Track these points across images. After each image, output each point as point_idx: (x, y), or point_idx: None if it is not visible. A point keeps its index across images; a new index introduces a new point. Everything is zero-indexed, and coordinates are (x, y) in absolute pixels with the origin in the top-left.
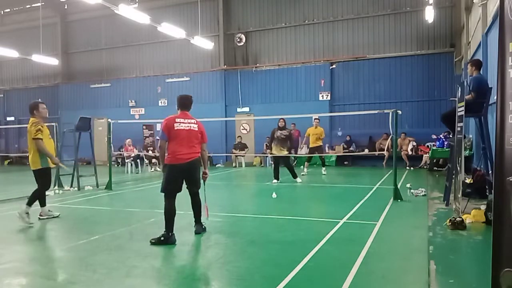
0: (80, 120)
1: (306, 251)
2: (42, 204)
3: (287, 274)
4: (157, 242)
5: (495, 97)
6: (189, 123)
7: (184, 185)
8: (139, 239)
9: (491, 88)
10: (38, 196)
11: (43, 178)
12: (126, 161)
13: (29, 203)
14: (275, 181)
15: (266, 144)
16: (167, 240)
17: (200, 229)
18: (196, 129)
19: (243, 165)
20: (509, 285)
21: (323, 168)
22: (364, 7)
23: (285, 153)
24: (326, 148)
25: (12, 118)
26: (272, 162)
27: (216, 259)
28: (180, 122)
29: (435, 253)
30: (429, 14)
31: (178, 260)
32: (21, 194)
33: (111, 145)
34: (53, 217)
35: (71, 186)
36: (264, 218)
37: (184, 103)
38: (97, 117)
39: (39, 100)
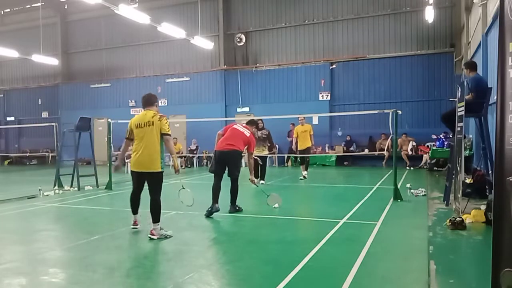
0: (80, 120)
1: (306, 251)
2: (155, 219)
3: (287, 274)
4: (207, 213)
5: (495, 97)
6: (243, 129)
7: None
8: (139, 239)
9: (491, 88)
10: (159, 209)
11: (162, 183)
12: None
13: (155, 220)
14: (262, 181)
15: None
16: (211, 209)
17: (232, 210)
18: (248, 135)
19: (243, 165)
20: (509, 285)
21: (305, 172)
22: (364, 7)
23: (266, 152)
24: (326, 148)
25: (12, 118)
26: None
27: (216, 259)
28: (239, 126)
29: (435, 253)
30: (429, 14)
31: (178, 260)
32: (21, 194)
33: (111, 145)
34: (166, 238)
35: (71, 186)
36: (264, 218)
37: (250, 121)
38: (97, 117)
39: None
